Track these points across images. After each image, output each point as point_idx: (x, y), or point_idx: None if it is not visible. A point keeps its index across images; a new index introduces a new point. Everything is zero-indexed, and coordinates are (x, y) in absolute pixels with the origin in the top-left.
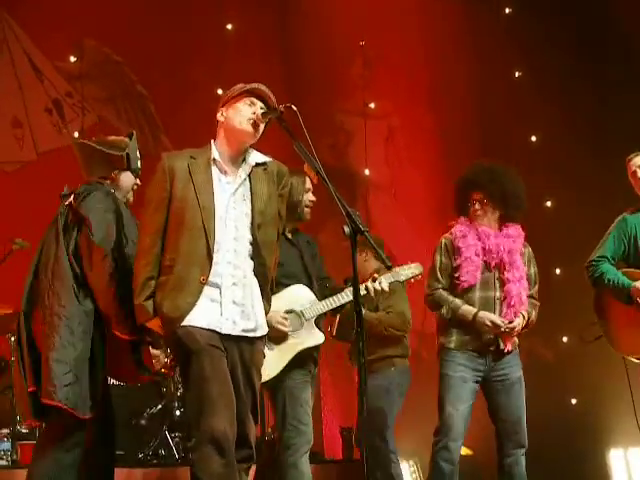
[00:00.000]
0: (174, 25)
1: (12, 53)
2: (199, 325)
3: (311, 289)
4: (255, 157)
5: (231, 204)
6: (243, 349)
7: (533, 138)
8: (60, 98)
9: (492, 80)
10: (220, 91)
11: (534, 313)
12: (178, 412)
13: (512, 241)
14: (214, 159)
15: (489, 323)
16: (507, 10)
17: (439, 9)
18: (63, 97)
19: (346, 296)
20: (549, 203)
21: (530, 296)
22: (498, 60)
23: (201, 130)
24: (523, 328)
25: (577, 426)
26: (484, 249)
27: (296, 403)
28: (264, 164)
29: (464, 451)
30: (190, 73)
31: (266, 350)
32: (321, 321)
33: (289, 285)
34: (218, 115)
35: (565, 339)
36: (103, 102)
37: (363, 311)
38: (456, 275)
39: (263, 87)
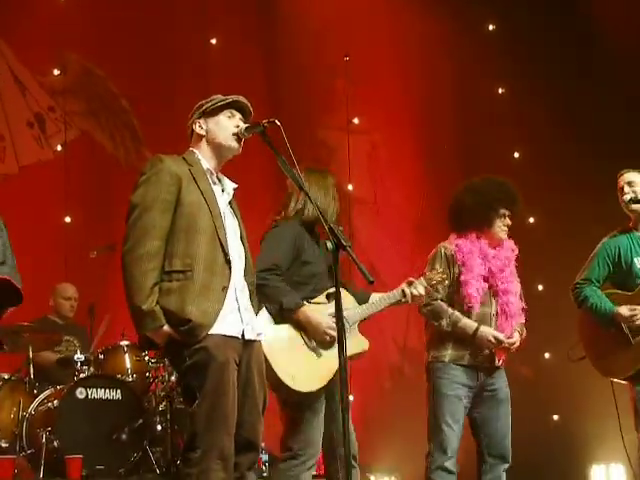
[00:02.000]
0: (157, 39)
1: None
2: (226, 333)
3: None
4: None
5: (229, 215)
6: (255, 353)
7: (516, 154)
8: (42, 112)
9: (475, 96)
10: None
11: (524, 330)
12: (159, 427)
13: (508, 255)
14: (207, 169)
15: (492, 339)
16: (490, 27)
17: (423, 26)
18: (45, 111)
19: (388, 299)
20: (532, 219)
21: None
22: (481, 76)
23: (183, 144)
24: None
25: (559, 442)
26: (486, 267)
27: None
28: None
29: None
30: (173, 87)
31: (314, 356)
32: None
33: (316, 286)
34: (196, 127)
35: (547, 355)
36: (85, 116)
37: None
38: (462, 294)
39: (242, 98)
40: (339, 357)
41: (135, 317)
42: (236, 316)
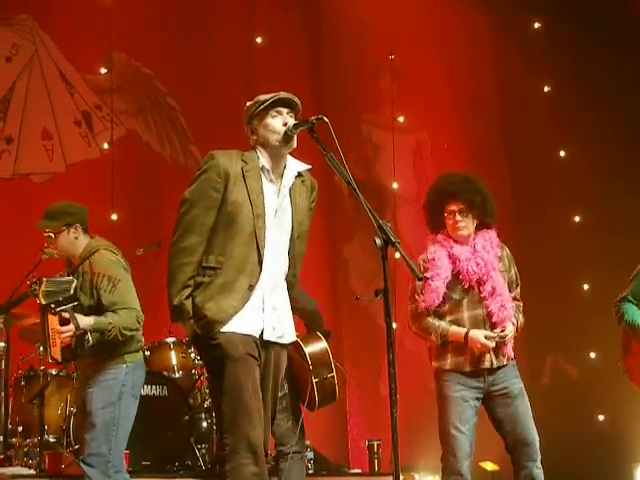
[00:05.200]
0: (203, 38)
1: (42, 65)
2: (241, 331)
3: None
4: (295, 166)
5: (277, 213)
6: (276, 355)
7: (562, 153)
8: (89, 110)
9: (521, 94)
10: (249, 103)
11: (520, 316)
12: (205, 424)
13: (487, 253)
14: (263, 167)
15: (479, 345)
16: (536, 25)
17: (469, 22)
18: (92, 109)
19: None
20: (577, 218)
21: (513, 298)
22: (527, 74)
23: (231, 142)
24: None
25: (604, 442)
26: (457, 272)
27: None
28: (301, 175)
29: (490, 467)
30: (220, 85)
31: None
32: None
33: None
34: (248, 133)
35: (592, 355)
36: (132, 114)
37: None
38: (465, 295)
39: (284, 93)
40: (388, 354)
41: (169, 309)
42: (258, 315)
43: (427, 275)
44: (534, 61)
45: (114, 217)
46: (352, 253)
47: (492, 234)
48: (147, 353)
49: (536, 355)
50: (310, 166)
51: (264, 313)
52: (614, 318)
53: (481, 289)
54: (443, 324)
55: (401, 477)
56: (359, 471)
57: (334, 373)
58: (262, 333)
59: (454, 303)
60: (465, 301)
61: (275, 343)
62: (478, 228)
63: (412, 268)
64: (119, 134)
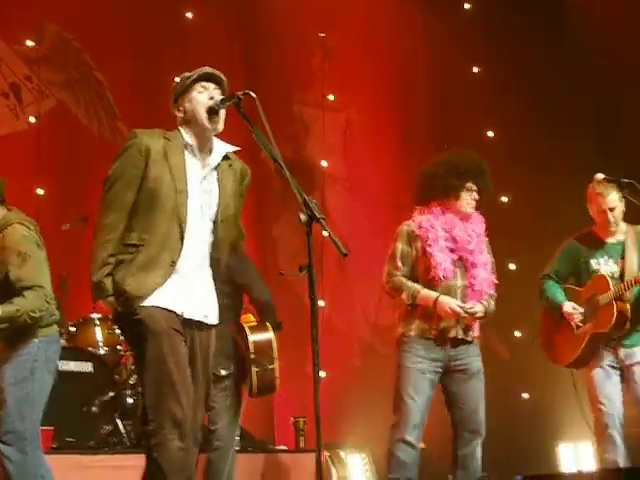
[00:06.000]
0: (135, 12)
1: None
2: (163, 306)
3: None
4: (223, 147)
5: (200, 192)
6: (201, 335)
7: (490, 134)
8: (18, 82)
9: (450, 75)
10: (177, 79)
11: (493, 304)
12: (130, 400)
13: (477, 228)
14: (187, 144)
15: (448, 309)
16: (466, 5)
17: (399, 4)
18: (22, 81)
19: None
20: (505, 198)
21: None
22: (456, 55)
23: (159, 119)
24: (482, 317)
25: (528, 421)
26: (452, 239)
27: None
28: (229, 159)
29: None
30: (149, 61)
31: None
32: None
33: None
34: (175, 112)
35: (518, 334)
36: (62, 86)
37: None
38: (428, 267)
39: (209, 69)
40: (311, 330)
41: (90, 287)
42: (180, 292)
43: (431, 247)
44: (464, 42)
45: (40, 191)
46: (280, 231)
47: (479, 215)
48: (72, 329)
49: None
50: (239, 148)
51: (185, 291)
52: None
53: (467, 259)
54: (416, 285)
55: (326, 453)
56: (284, 447)
57: (275, 365)
58: (183, 312)
59: (428, 270)
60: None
61: (201, 323)
62: None
63: (337, 245)
64: (49, 105)
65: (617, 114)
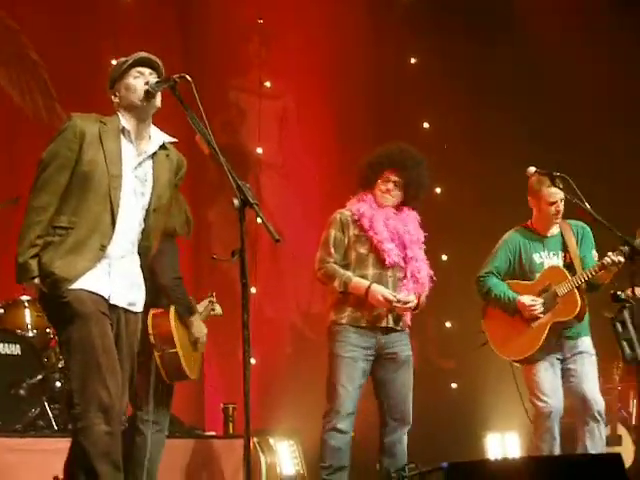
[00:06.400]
0: None
1: None
2: (90, 290)
3: None
4: (160, 136)
5: (134, 179)
6: (127, 321)
7: (425, 125)
8: None
9: (388, 65)
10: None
11: (424, 297)
12: (58, 383)
13: (412, 222)
14: (123, 128)
15: (380, 298)
16: None
17: None
18: None
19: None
20: (438, 190)
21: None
22: (394, 45)
23: (96, 100)
24: (414, 309)
25: (457, 410)
26: (390, 228)
27: None
28: (166, 149)
29: None
30: (85, 42)
31: None
32: None
33: None
34: (111, 96)
35: (448, 324)
36: None
37: None
38: (372, 252)
39: (144, 53)
40: (242, 315)
41: (15, 268)
42: (108, 277)
43: (379, 231)
44: (402, 32)
45: None
46: (215, 217)
47: (415, 214)
48: (1, 311)
49: None
50: (176, 140)
51: (112, 277)
52: (473, 291)
53: (404, 251)
54: (349, 273)
55: (255, 440)
56: (213, 433)
57: (177, 350)
58: (110, 297)
59: (360, 258)
60: (372, 257)
61: (127, 310)
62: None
63: (270, 230)
64: None
65: (551, 106)
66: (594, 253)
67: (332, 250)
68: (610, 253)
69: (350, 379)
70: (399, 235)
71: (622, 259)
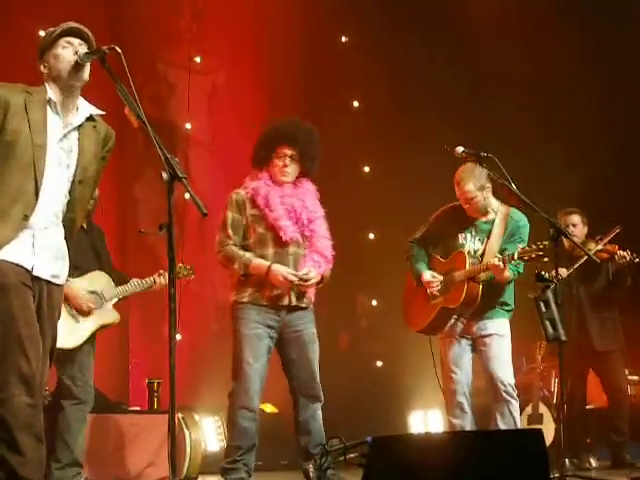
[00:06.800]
0: None
1: None
2: (12, 261)
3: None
4: (87, 108)
5: (59, 149)
6: (49, 293)
7: (355, 103)
8: None
9: (321, 44)
10: (42, 33)
11: (328, 271)
12: None
13: (310, 197)
14: (50, 99)
15: (281, 278)
16: None
17: None
18: None
19: (142, 285)
20: (367, 168)
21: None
22: (326, 24)
23: (20, 71)
24: (318, 283)
25: (382, 389)
26: (287, 206)
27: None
28: (94, 121)
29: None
30: (9, 12)
31: (72, 321)
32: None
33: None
34: (40, 66)
35: (374, 302)
36: None
37: None
38: (270, 231)
39: (73, 23)
40: (169, 289)
41: None
42: (31, 248)
43: (275, 209)
44: (334, 10)
45: None
46: (142, 191)
47: (311, 184)
48: None
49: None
50: (104, 112)
51: (36, 248)
52: (397, 265)
53: (303, 228)
54: (248, 254)
55: (179, 415)
56: (138, 408)
57: None
58: (33, 268)
59: (260, 238)
60: (270, 236)
61: (49, 282)
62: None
63: (198, 204)
64: None
65: (480, 85)
66: (519, 247)
67: (230, 232)
68: (499, 255)
69: (256, 357)
70: (296, 211)
71: (502, 265)
